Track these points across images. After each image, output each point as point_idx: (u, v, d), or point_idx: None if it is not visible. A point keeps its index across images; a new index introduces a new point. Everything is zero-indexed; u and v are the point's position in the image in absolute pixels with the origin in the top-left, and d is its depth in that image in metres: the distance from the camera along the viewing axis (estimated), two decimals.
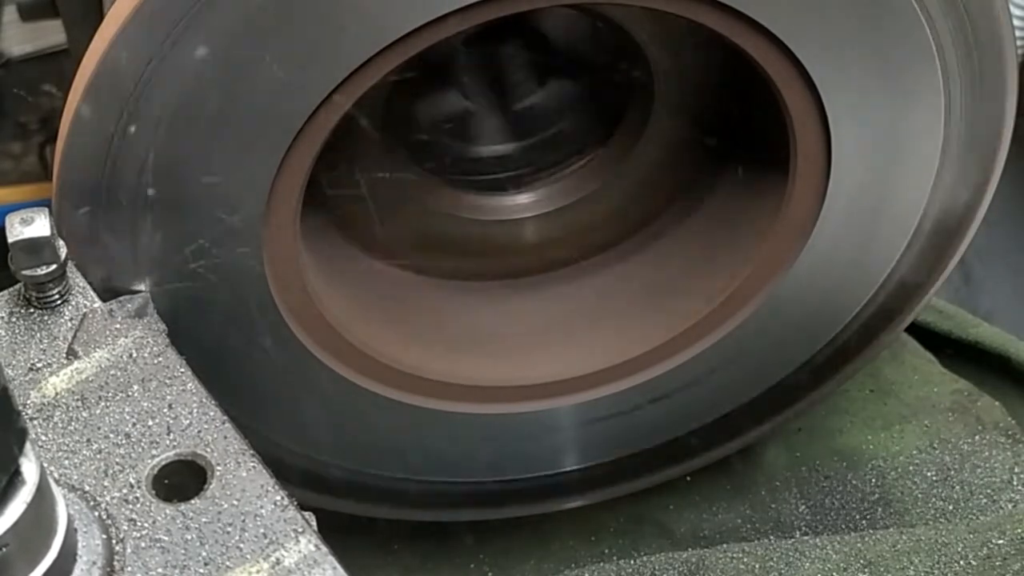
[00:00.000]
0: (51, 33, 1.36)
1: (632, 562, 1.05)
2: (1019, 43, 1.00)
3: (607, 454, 1.07)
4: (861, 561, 0.99)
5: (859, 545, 1.01)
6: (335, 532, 1.10)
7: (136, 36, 0.74)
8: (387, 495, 1.05)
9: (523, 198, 1.08)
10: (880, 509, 1.11)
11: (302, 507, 0.67)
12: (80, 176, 0.79)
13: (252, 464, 0.66)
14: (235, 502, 0.64)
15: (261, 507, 0.64)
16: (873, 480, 1.13)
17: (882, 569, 0.99)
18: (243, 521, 0.64)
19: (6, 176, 1.39)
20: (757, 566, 1.02)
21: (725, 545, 1.06)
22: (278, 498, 0.65)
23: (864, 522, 1.11)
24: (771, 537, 1.11)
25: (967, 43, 0.87)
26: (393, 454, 1.02)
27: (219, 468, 0.66)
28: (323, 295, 0.93)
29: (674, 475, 1.12)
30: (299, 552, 0.63)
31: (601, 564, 1.07)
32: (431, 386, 0.99)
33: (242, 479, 0.66)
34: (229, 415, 0.92)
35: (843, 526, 1.11)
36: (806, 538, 1.06)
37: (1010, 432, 1.15)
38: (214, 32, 0.74)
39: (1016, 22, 0.95)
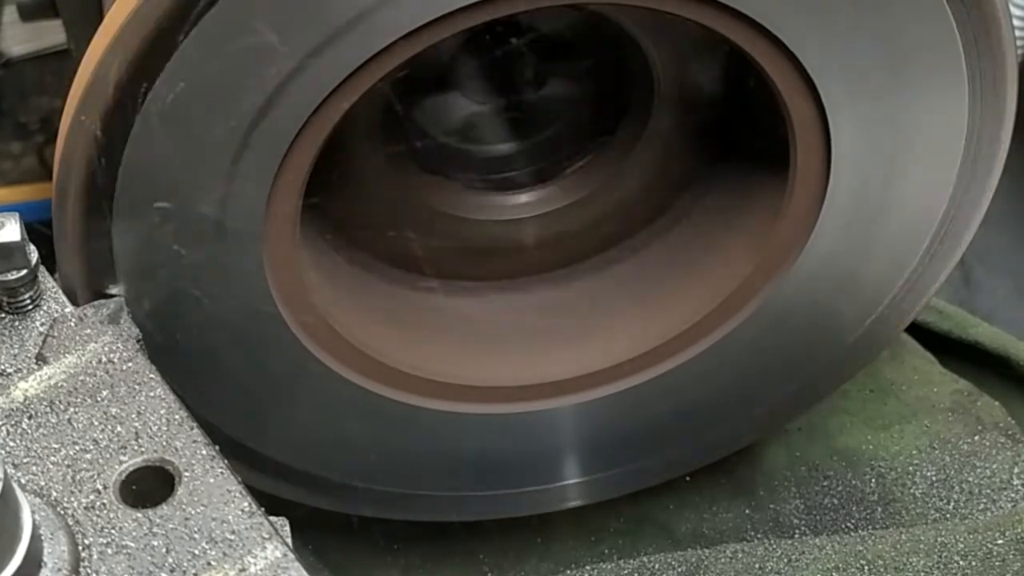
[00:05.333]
0: (51, 33, 1.35)
1: (632, 562, 1.05)
2: (1019, 43, 1.00)
3: (606, 456, 1.07)
4: (861, 561, 0.99)
5: (859, 545, 1.01)
6: (335, 531, 1.12)
7: (134, 38, 0.74)
8: (384, 493, 1.05)
9: (523, 198, 1.08)
10: (880, 509, 1.11)
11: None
12: (79, 177, 0.79)
13: (220, 470, 0.66)
14: (202, 508, 0.65)
15: (228, 513, 0.64)
16: (873, 480, 1.13)
17: (881, 569, 0.99)
18: (210, 527, 0.64)
19: (6, 176, 1.39)
20: (757, 566, 1.02)
21: (725, 545, 1.06)
22: (245, 504, 0.65)
23: (864, 522, 1.11)
24: (771, 537, 1.11)
25: (966, 43, 0.87)
26: (393, 455, 1.02)
27: (187, 474, 0.66)
28: (323, 296, 0.93)
29: (674, 475, 1.12)
30: (266, 559, 0.63)
31: (601, 564, 1.07)
32: (433, 387, 0.99)
33: (210, 485, 0.66)
34: (225, 416, 0.92)
35: (843, 526, 1.11)
36: (806, 538, 1.06)
37: (1010, 432, 1.15)
38: (213, 33, 0.74)
39: (1016, 22, 0.95)
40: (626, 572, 1.04)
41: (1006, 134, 0.93)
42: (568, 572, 1.08)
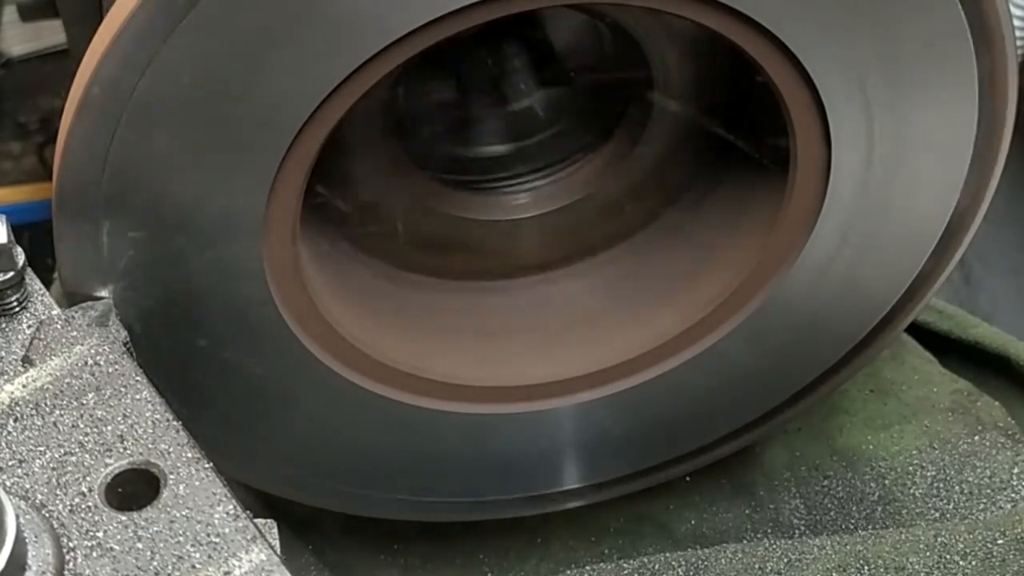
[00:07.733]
0: (51, 33, 1.36)
1: (632, 562, 1.05)
2: (1019, 43, 1.00)
3: (605, 456, 1.07)
4: (860, 561, 0.99)
5: (859, 545, 1.01)
6: (336, 532, 1.12)
7: (133, 40, 0.74)
8: (383, 494, 1.05)
9: (522, 198, 1.08)
10: (880, 509, 1.11)
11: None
12: (79, 177, 0.79)
13: (205, 473, 0.66)
14: (187, 511, 0.65)
15: (213, 516, 0.64)
16: (873, 480, 1.13)
17: (881, 569, 0.98)
18: (195, 530, 0.64)
19: (6, 176, 1.39)
20: (757, 566, 1.02)
21: (725, 545, 1.06)
22: (231, 507, 0.65)
23: (864, 522, 1.11)
24: (771, 537, 1.11)
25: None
26: (392, 455, 1.02)
27: (172, 477, 0.66)
28: (322, 294, 0.93)
29: (674, 475, 1.12)
30: (251, 561, 0.63)
31: (601, 564, 1.07)
32: (433, 386, 0.99)
33: (195, 488, 0.66)
34: (224, 416, 0.92)
35: (843, 526, 1.11)
36: (806, 538, 1.06)
37: (1010, 432, 1.15)
38: (212, 35, 0.74)
39: (1016, 22, 0.94)
40: (626, 572, 1.04)
41: (1006, 134, 0.93)
42: (568, 572, 1.08)
